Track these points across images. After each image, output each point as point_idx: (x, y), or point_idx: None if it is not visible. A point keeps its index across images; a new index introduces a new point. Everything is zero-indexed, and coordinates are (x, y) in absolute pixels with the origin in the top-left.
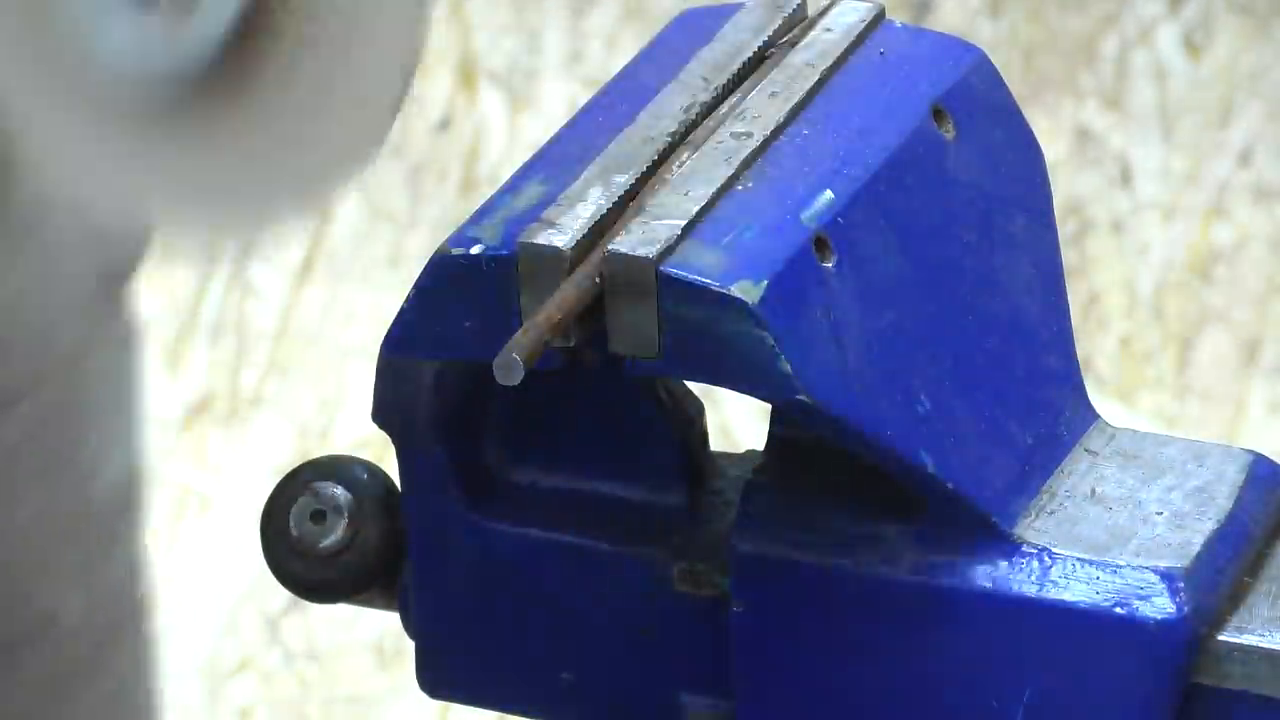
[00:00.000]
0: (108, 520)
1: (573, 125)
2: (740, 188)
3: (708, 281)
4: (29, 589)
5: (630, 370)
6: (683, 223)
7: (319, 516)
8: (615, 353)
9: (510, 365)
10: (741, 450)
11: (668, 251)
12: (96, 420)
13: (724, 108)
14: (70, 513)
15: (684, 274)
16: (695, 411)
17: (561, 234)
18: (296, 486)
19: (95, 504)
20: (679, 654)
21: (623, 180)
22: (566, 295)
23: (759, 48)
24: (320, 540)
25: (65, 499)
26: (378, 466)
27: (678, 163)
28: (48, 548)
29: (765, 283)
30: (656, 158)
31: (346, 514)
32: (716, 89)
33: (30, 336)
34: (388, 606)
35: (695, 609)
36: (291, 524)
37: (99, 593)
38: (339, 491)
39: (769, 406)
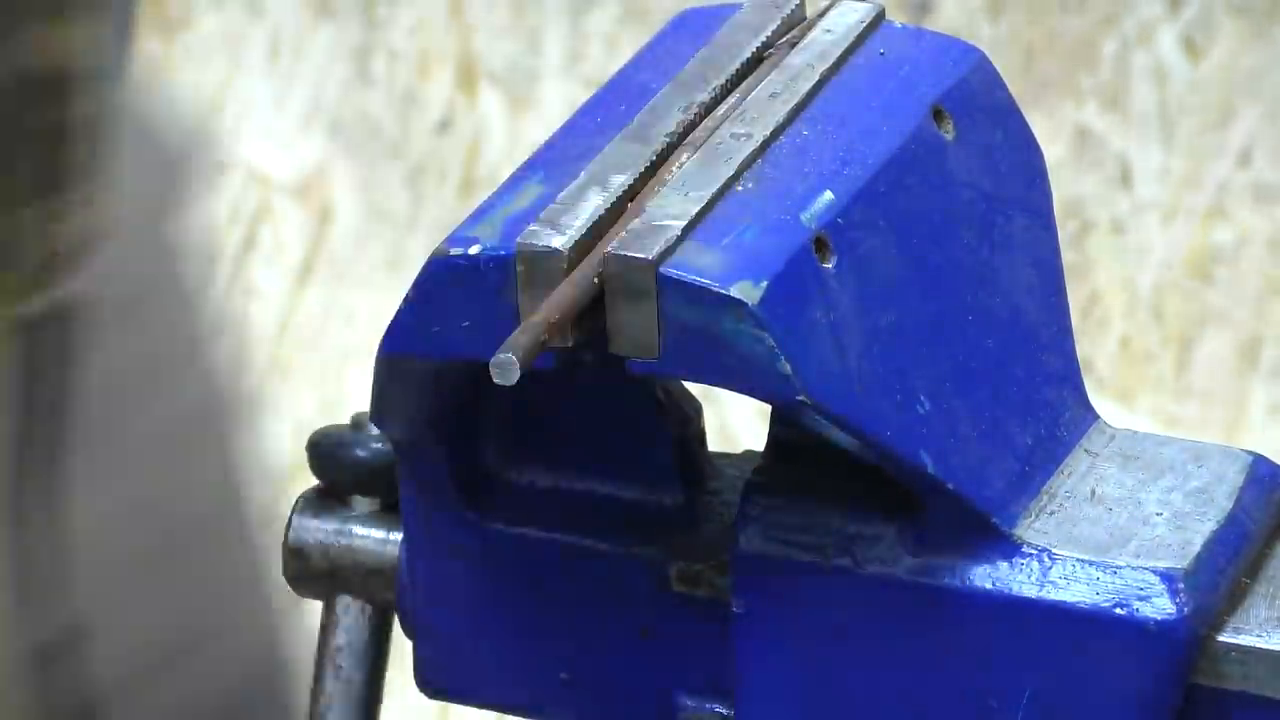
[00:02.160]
0: (213, 423)
1: (571, 125)
2: (740, 188)
3: (707, 282)
4: (162, 490)
5: (630, 371)
6: (682, 223)
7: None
8: (615, 353)
9: (506, 365)
10: (740, 450)
11: (667, 252)
12: (150, 333)
13: (723, 108)
14: (187, 417)
15: (684, 275)
16: (693, 411)
17: (560, 234)
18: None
19: (209, 404)
20: (677, 654)
21: (621, 180)
22: (564, 296)
23: (757, 48)
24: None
25: (187, 400)
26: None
27: (677, 163)
28: (175, 448)
29: (765, 283)
30: (655, 158)
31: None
32: (715, 89)
33: (122, 258)
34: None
35: (693, 609)
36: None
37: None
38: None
39: (768, 407)
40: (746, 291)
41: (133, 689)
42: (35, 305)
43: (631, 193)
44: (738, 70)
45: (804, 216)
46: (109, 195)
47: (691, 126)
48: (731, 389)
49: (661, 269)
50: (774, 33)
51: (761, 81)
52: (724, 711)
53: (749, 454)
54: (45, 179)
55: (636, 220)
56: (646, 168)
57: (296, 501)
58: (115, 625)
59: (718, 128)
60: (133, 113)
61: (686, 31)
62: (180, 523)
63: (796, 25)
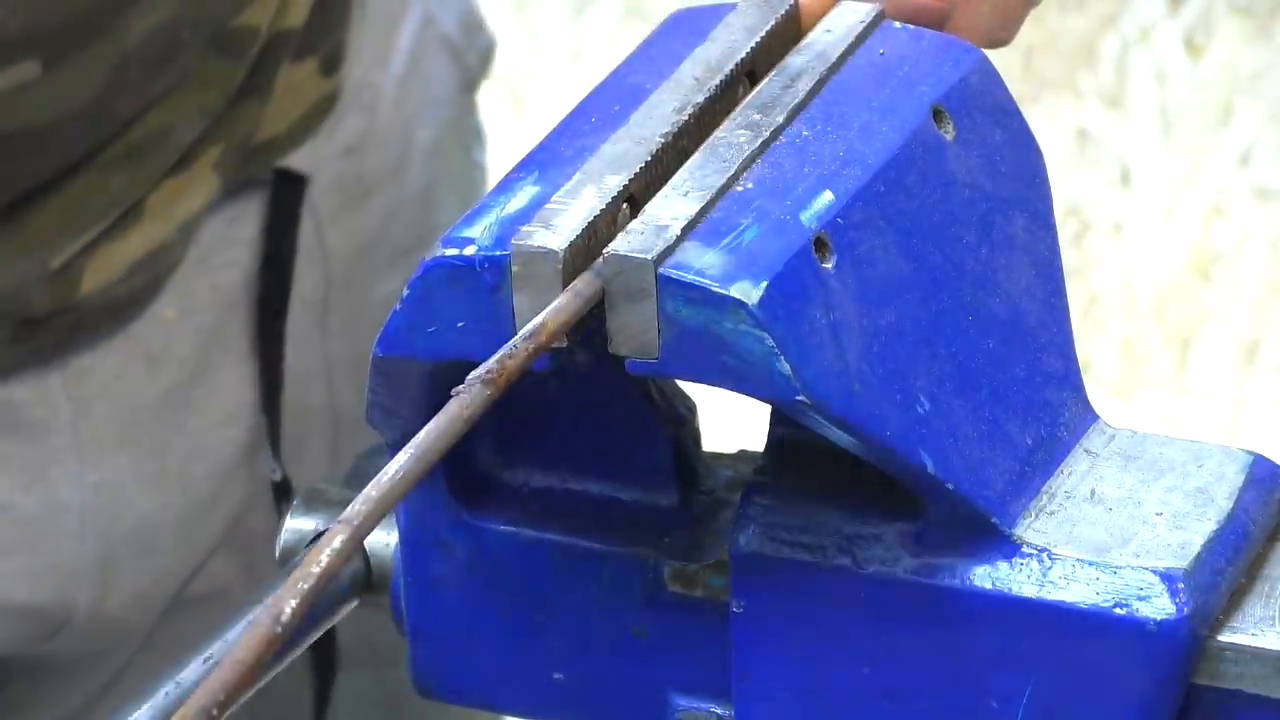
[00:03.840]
0: None
1: (565, 126)
2: (740, 188)
3: (707, 282)
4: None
5: (629, 371)
6: (682, 223)
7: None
8: (615, 353)
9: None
10: (734, 450)
11: (667, 252)
12: (445, 213)
13: (718, 108)
14: None
15: (684, 275)
16: (687, 411)
17: (555, 234)
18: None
19: None
20: (671, 654)
21: (616, 181)
22: (559, 309)
23: (751, 48)
24: None
25: None
26: None
27: (671, 163)
28: None
29: (765, 283)
30: (650, 158)
31: None
32: (709, 89)
33: (393, 131)
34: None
35: (688, 609)
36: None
37: None
38: None
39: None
40: (746, 292)
41: None
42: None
43: (626, 193)
44: (731, 70)
45: (804, 216)
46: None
47: (686, 126)
48: (731, 389)
49: (661, 269)
50: (767, 32)
51: (761, 81)
52: (719, 711)
53: (744, 454)
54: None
55: (637, 221)
56: (641, 168)
57: (293, 507)
58: None
59: (719, 127)
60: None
61: (680, 31)
62: None
63: (790, 24)
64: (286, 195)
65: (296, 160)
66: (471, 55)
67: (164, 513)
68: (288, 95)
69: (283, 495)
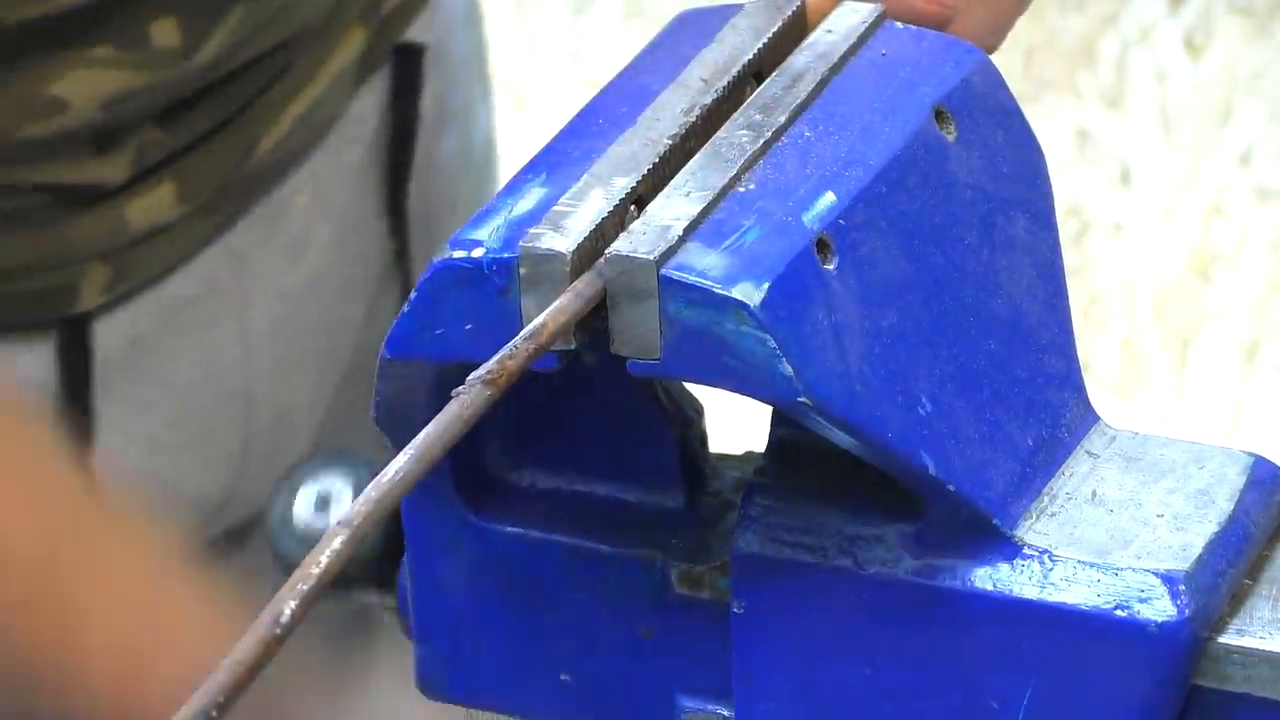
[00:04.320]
0: (482, 168)
1: (573, 128)
2: (741, 189)
3: (709, 284)
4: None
5: (631, 372)
6: (684, 224)
7: (323, 503)
8: (616, 354)
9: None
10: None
11: (669, 253)
12: (463, 82)
13: (725, 109)
14: (464, 152)
15: (685, 276)
16: (694, 413)
17: (563, 236)
18: (300, 477)
19: (475, 153)
20: (678, 656)
21: (624, 183)
22: (560, 310)
23: (759, 49)
24: (328, 525)
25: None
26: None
27: (679, 165)
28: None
29: (767, 285)
30: (657, 160)
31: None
32: (717, 90)
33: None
34: (386, 608)
35: (695, 611)
36: (295, 515)
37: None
38: (340, 481)
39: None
40: (748, 293)
41: None
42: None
43: (634, 195)
44: (739, 71)
45: (806, 217)
46: None
47: (694, 128)
48: (733, 390)
49: (663, 270)
50: (775, 34)
51: (763, 82)
52: (725, 713)
53: (750, 455)
54: None
55: (639, 222)
56: (649, 169)
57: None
58: None
59: (720, 128)
60: None
61: (687, 32)
62: None
63: (797, 26)
64: (408, 65)
65: (412, 32)
66: None
67: (307, 394)
68: None
69: None
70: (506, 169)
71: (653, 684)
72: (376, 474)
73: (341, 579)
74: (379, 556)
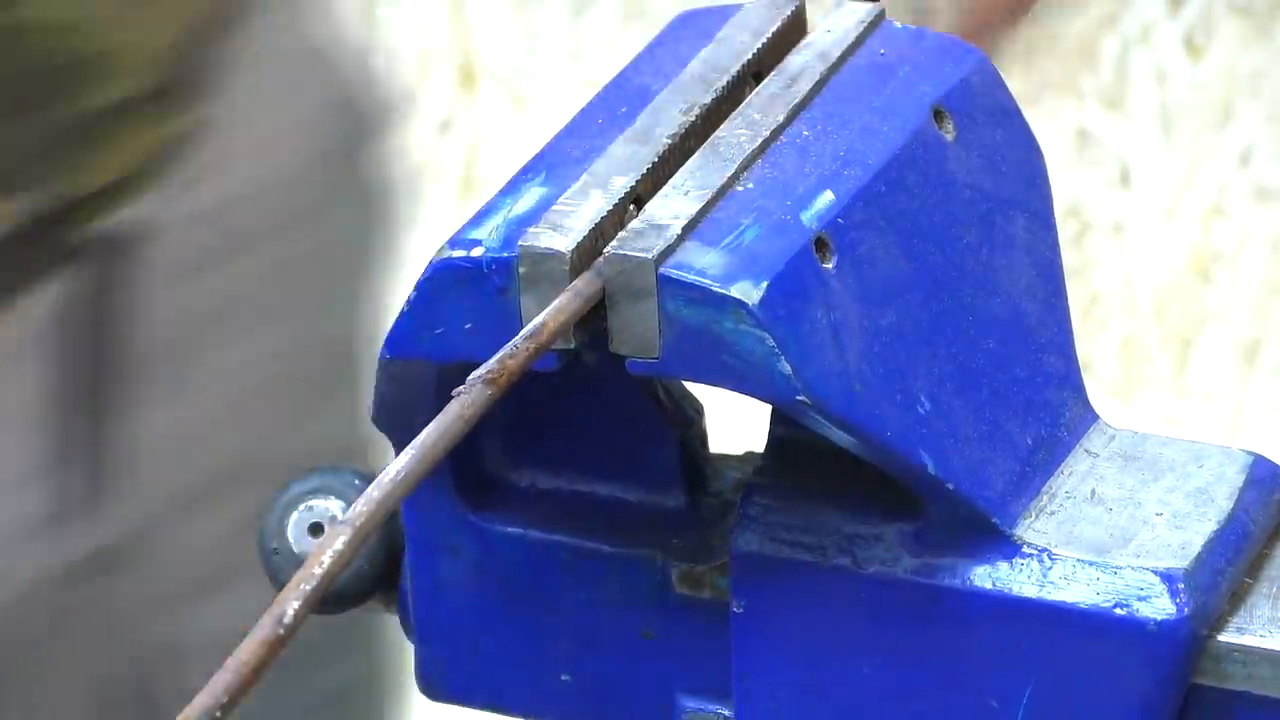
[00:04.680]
0: (327, 371)
1: (572, 127)
2: (740, 188)
3: (708, 282)
4: (237, 430)
5: (630, 371)
6: (682, 223)
7: (317, 529)
8: (615, 353)
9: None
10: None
11: (668, 252)
12: (325, 274)
13: (724, 108)
14: (293, 355)
15: (684, 274)
16: (694, 412)
17: (562, 236)
18: (290, 501)
19: (314, 354)
20: (679, 656)
21: (623, 182)
22: (560, 309)
23: (758, 49)
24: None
25: (287, 344)
26: (369, 471)
27: (678, 164)
28: (264, 390)
29: (765, 284)
30: (657, 159)
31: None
32: (716, 90)
33: (273, 188)
34: (388, 609)
35: (696, 611)
36: (291, 540)
37: (312, 437)
38: (334, 503)
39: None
40: (747, 292)
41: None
42: (107, 223)
43: (634, 194)
44: (738, 71)
45: (804, 216)
46: (198, 115)
47: (693, 128)
48: (732, 389)
49: (662, 269)
50: (774, 33)
51: (762, 81)
52: (726, 713)
53: (750, 454)
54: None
55: (637, 221)
56: (649, 169)
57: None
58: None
59: (718, 128)
60: (297, 48)
61: (687, 32)
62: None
63: (797, 26)
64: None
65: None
66: (359, 116)
67: None
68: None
69: None
70: (506, 169)
71: (653, 684)
72: (367, 484)
73: (344, 595)
74: (380, 574)
